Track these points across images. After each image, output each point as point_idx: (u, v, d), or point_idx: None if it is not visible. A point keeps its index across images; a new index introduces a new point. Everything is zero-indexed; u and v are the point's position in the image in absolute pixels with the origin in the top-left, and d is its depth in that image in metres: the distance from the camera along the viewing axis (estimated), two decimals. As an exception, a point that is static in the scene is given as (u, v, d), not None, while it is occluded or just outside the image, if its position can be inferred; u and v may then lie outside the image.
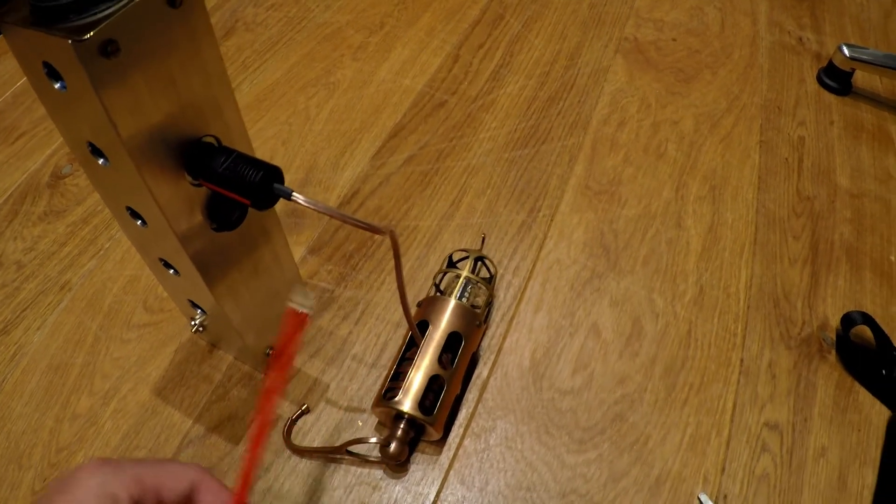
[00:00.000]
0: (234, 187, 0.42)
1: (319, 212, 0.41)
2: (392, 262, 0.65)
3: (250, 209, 0.48)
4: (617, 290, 0.63)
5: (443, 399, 0.53)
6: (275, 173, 0.42)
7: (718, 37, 0.87)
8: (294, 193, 0.41)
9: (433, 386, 0.53)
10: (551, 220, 0.67)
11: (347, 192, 0.70)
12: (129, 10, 0.34)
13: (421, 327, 0.55)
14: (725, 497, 0.53)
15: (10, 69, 0.88)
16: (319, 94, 0.80)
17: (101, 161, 0.41)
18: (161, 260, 0.50)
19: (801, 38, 0.89)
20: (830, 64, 0.83)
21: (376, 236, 0.66)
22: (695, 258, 0.65)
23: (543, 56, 0.84)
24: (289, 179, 0.71)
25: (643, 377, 0.58)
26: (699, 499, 0.53)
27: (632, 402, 0.57)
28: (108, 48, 0.33)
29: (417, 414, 0.51)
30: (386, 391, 0.53)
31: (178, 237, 0.44)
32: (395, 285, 0.63)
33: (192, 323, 0.56)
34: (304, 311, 0.44)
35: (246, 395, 0.58)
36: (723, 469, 0.55)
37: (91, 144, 0.40)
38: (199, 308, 0.55)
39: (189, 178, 0.43)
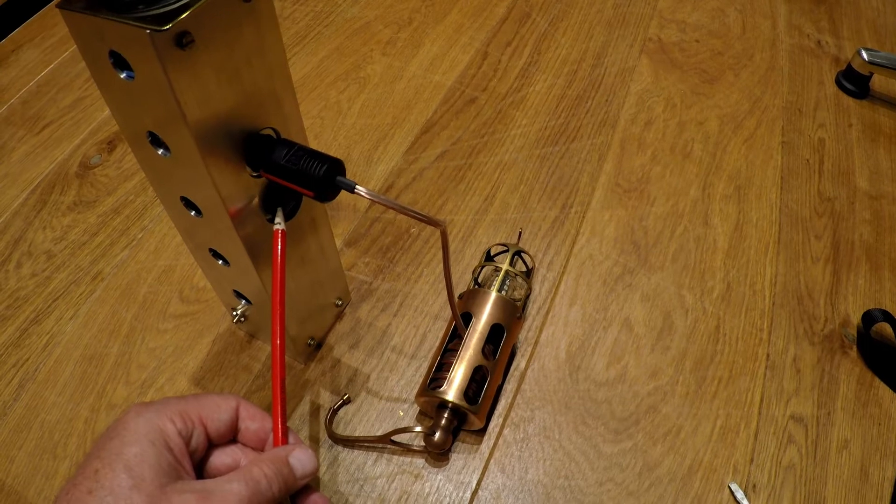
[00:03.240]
0: (298, 180, 0.44)
1: (381, 204, 0.43)
2: (429, 256, 0.66)
3: (303, 201, 0.50)
4: (648, 286, 0.64)
5: (486, 389, 0.55)
6: (337, 166, 0.43)
7: (740, 39, 0.89)
8: (357, 186, 0.43)
9: (476, 376, 0.55)
10: (583, 217, 0.69)
11: (382, 185, 0.72)
12: (206, 5, 0.35)
13: (463, 319, 0.57)
14: (754, 487, 0.55)
15: (34, 58, 0.89)
16: (350, 88, 0.81)
17: (160, 151, 0.42)
18: (211, 250, 0.51)
19: (819, 42, 0.91)
20: (849, 67, 0.85)
21: (412, 230, 0.68)
22: (722, 256, 0.67)
23: (570, 55, 0.85)
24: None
25: (674, 370, 0.60)
26: (730, 488, 0.55)
27: (664, 395, 0.59)
28: (183, 40, 0.34)
29: (462, 403, 0.53)
30: (431, 381, 0.55)
31: (234, 227, 0.45)
32: (432, 278, 0.64)
33: (234, 313, 0.57)
34: None
35: (287, 386, 0.59)
36: (751, 460, 0.56)
37: (152, 134, 0.41)
38: (244, 298, 0.56)
39: (249, 170, 0.44)
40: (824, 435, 0.58)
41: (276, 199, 0.48)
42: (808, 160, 0.77)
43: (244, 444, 0.46)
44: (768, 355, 0.62)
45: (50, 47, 0.89)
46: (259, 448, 0.46)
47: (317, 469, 0.45)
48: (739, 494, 0.55)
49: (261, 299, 0.54)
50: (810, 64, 0.88)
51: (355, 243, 0.67)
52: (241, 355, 0.61)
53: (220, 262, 0.51)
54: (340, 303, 0.62)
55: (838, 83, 0.86)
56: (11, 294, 0.66)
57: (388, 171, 0.73)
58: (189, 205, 0.47)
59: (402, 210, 0.43)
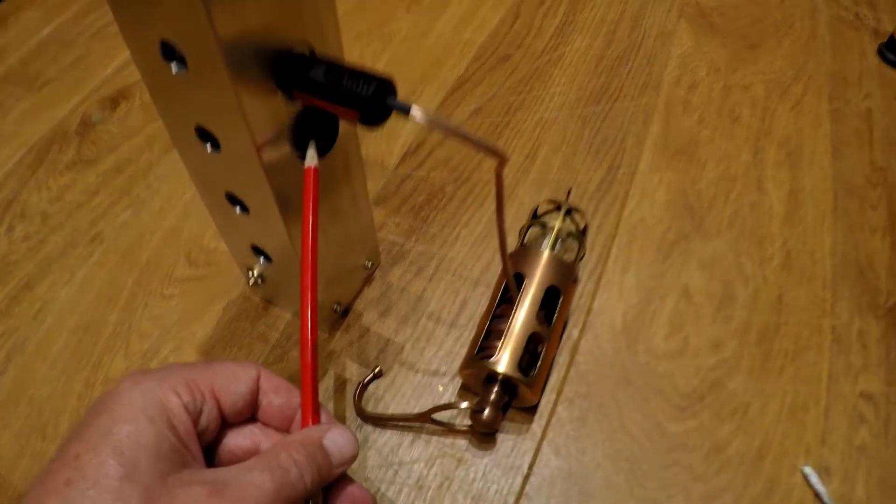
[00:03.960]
0: (343, 100, 0.35)
1: (442, 130, 0.34)
2: (466, 216, 0.57)
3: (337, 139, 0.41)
4: (704, 253, 0.56)
5: (542, 359, 0.46)
6: (388, 85, 0.34)
7: (778, 7, 0.80)
8: (414, 107, 0.34)
9: (528, 346, 0.45)
10: (632, 179, 0.60)
11: (412, 141, 0.63)
12: None
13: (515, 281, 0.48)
14: (827, 470, 0.47)
15: (35, 17, 0.80)
16: (374, 44, 0.73)
17: (175, 68, 0.33)
18: (228, 196, 0.42)
19: (857, 14, 0.83)
20: (891, 39, 0.77)
21: (447, 188, 0.59)
22: (779, 223, 0.58)
23: (607, 16, 0.76)
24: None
25: (738, 343, 0.51)
26: (803, 472, 0.46)
27: (729, 369, 0.50)
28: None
29: (516, 375, 0.44)
30: (479, 350, 0.46)
31: (261, 163, 0.36)
32: (471, 240, 0.55)
33: (250, 275, 0.48)
34: None
35: (310, 356, 0.50)
36: (823, 440, 0.48)
37: (166, 45, 0.32)
38: (263, 255, 0.47)
39: (281, 93, 0.35)
40: (895, 414, 0.49)
41: (311, 131, 0.39)
42: (857, 129, 0.69)
43: (265, 424, 0.37)
44: (833, 328, 0.53)
45: (52, 7, 0.80)
46: (284, 428, 0.37)
47: (356, 454, 0.35)
48: (814, 479, 0.46)
49: (283, 255, 0.44)
50: (850, 35, 0.80)
51: (384, 202, 0.58)
52: (256, 323, 0.52)
53: (238, 209, 0.42)
54: (370, 265, 0.53)
55: (880, 54, 0.78)
56: (2, 259, 0.57)
57: (418, 127, 0.64)
58: (206, 136, 0.38)
59: (465, 136, 0.34)
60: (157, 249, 0.57)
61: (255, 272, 0.48)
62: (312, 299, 0.36)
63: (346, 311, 0.52)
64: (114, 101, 0.70)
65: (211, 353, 0.52)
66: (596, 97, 0.67)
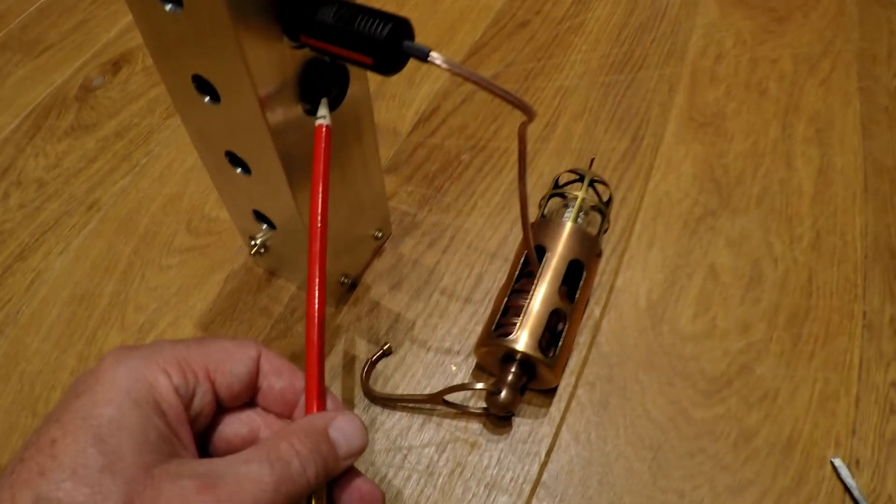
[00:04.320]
0: (353, 43, 0.30)
1: (462, 77, 0.29)
2: (482, 186, 0.53)
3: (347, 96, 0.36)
4: (732, 230, 0.51)
5: (564, 338, 0.41)
6: (404, 27, 0.30)
7: (805, -21, 0.75)
8: (432, 53, 0.29)
9: (549, 323, 0.41)
10: (657, 150, 0.55)
11: (426, 108, 0.58)
12: None
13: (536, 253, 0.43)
14: (857, 462, 0.43)
15: (34, -17, 0.75)
16: (387, 6, 0.67)
17: (171, 6, 0.29)
18: (228, 154, 0.37)
19: (885, -10, 0.78)
20: (921, 15, 0.72)
21: (463, 156, 0.54)
22: (808, 201, 0.54)
23: (629, -17, 0.72)
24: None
25: (767, 326, 0.47)
26: (833, 464, 0.42)
27: (758, 353, 0.46)
28: None
29: (536, 355, 0.39)
30: (496, 327, 0.41)
31: (264, 116, 0.32)
32: (487, 211, 0.51)
33: (252, 243, 0.43)
34: None
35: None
36: (853, 431, 0.44)
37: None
38: (266, 222, 0.42)
39: (287, 39, 0.31)
40: (929, 406, 0.45)
41: (319, 82, 0.34)
42: (887, 108, 0.64)
43: (265, 409, 0.32)
44: (865, 313, 0.49)
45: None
46: (285, 414, 0.32)
47: (366, 445, 0.31)
48: (844, 472, 0.42)
49: (288, 221, 0.40)
50: (878, 12, 0.75)
51: (396, 170, 0.54)
52: (258, 296, 0.48)
53: (240, 170, 0.38)
54: (380, 235, 0.48)
55: (910, 32, 0.73)
56: None
57: (432, 93, 0.59)
58: (204, 87, 0.33)
59: (489, 86, 0.30)
60: (156, 217, 0.54)
61: (258, 240, 0.44)
62: (321, 271, 0.32)
63: (353, 284, 0.48)
64: (115, 66, 0.66)
65: (210, 326, 0.48)
66: (619, 66, 0.62)
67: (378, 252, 0.49)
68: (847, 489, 0.41)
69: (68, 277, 0.50)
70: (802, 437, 0.43)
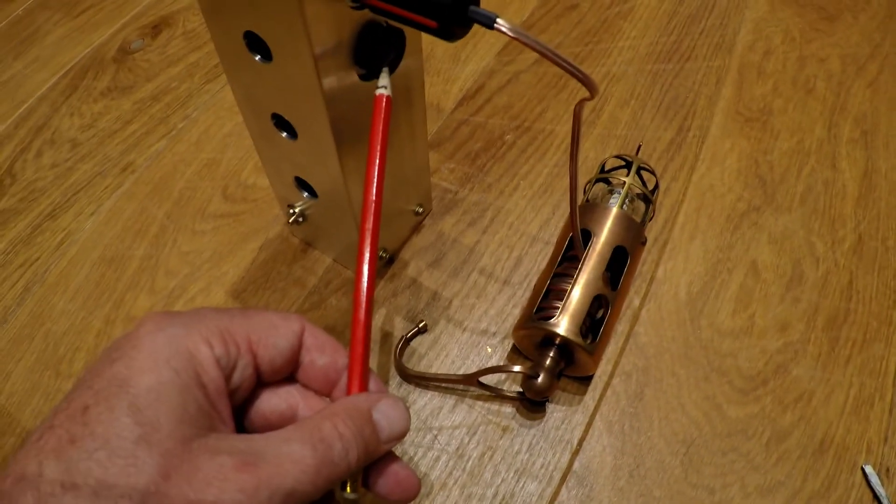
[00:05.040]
0: (417, 5, 0.28)
1: (528, 45, 0.27)
2: (526, 167, 0.51)
3: (403, 59, 0.35)
4: (775, 228, 0.49)
5: (605, 325, 0.39)
6: (470, -9, 0.27)
7: (856, -20, 0.73)
8: (499, 19, 0.27)
9: (591, 309, 0.39)
10: (702, 143, 0.53)
11: (471, 86, 0.56)
12: None
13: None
14: (888, 471, 0.41)
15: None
16: (434, -16, 0.65)
17: None
18: (275, 118, 0.36)
19: (935, -5, 0.75)
20: (972, 22, 0.69)
21: (507, 136, 0.52)
22: (852, 204, 0.52)
23: (679, -27, 0.69)
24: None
25: (805, 326, 0.45)
26: (863, 471, 0.41)
27: (795, 353, 0.44)
28: None
29: (577, 340, 0.38)
30: (538, 310, 0.40)
31: (318, 76, 0.30)
32: (530, 193, 0.49)
33: (291, 212, 0.42)
34: None
35: (347, 305, 0.45)
36: (885, 439, 0.42)
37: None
38: (307, 190, 0.41)
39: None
40: (962, 418, 0.43)
41: (375, 47, 0.33)
42: (934, 114, 0.61)
43: (305, 385, 0.30)
44: (903, 321, 0.46)
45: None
46: (325, 392, 0.30)
47: (407, 430, 0.29)
48: (875, 480, 0.40)
49: (331, 190, 0.38)
50: (928, 16, 0.72)
51: (438, 147, 0.52)
52: (293, 266, 0.46)
53: (285, 134, 0.37)
54: (421, 210, 0.46)
55: (959, 38, 0.70)
56: (27, 185, 0.52)
57: (477, 72, 0.57)
58: (257, 45, 0.32)
59: (555, 56, 0.28)
60: (191, 182, 0.52)
61: (297, 209, 0.42)
62: (372, 247, 0.30)
63: (391, 259, 0.46)
64: (155, 29, 0.64)
65: (242, 295, 0.46)
66: (667, 55, 0.60)
67: (417, 228, 0.48)
68: (876, 497, 0.40)
69: (99, 239, 0.49)
70: (835, 442, 0.41)
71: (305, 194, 0.41)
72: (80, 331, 0.45)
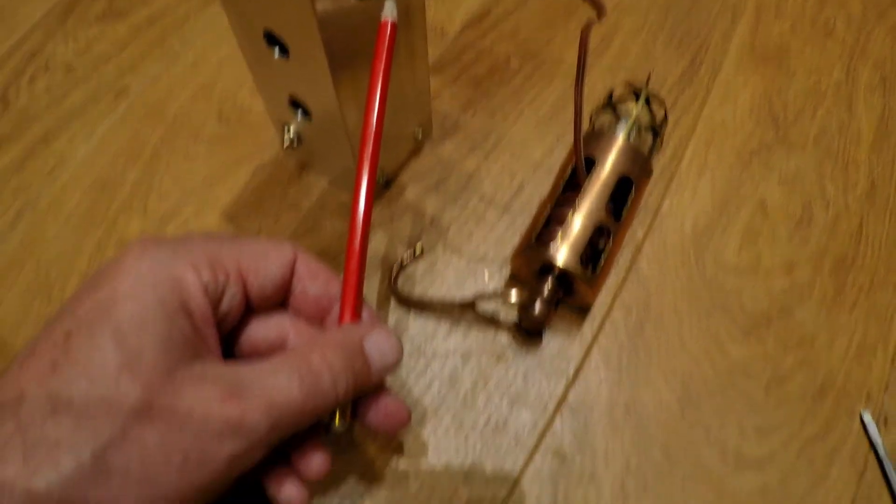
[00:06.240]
0: None
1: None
2: (531, 94, 0.48)
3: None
4: (786, 168, 0.47)
5: (606, 256, 0.38)
6: None
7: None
8: None
9: (592, 238, 0.37)
10: (715, 77, 0.51)
11: (477, 9, 0.53)
12: None
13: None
14: (886, 420, 0.40)
15: None
16: None
17: None
18: (267, 34, 0.33)
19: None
20: None
21: (511, 61, 0.50)
22: (866, 149, 0.49)
23: None
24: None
25: (812, 269, 0.43)
26: (861, 417, 0.39)
27: (800, 295, 0.43)
28: None
29: (576, 268, 0.36)
30: (538, 236, 0.38)
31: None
32: (535, 120, 0.47)
33: (286, 132, 0.40)
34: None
35: (343, 229, 0.43)
36: (886, 387, 0.40)
37: None
38: (302, 110, 0.38)
39: None
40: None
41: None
42: (955, 62, 0.58)
43: (296, 313, 0.29)
44: (912, 270, 0.45)
45: None
46: (316, 320, 0.29)
47: (399, 361, 0.28)
48: (872, 428, 0.39)
49: (326, 110, 0.36)
50: (952, -36, 0.69)
51: (441, 71, 0.50)
52: (287, 189, 0.45)
53: (277, 51, 0.34)
54: (420, 134, 0.44)
55: (984, -12, 0.67)
56: (20, 112, 0.50)
57: (484, -4, 0.54)
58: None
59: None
60: (186, 105, 0.50)
61: (292, 130, 0.40)
62: (370, 175, 0.29)
63: (388, 183, 0.44)
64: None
65: (236, 219, 0.44)
66: (681, -12, 0.57)
67: (416, 152, 0.46)
68: (872, 445, 0.39)
69: (92, 163, 0.47)
70: (835, 387, 0.40)
71: (300, 114, 0.39)
72: (72, 256, 0.43)
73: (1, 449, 0.20)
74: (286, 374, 0.24)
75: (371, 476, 0.36)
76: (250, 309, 0.28)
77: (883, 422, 0.40)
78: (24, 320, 0.41)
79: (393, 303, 0.40)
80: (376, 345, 0.27)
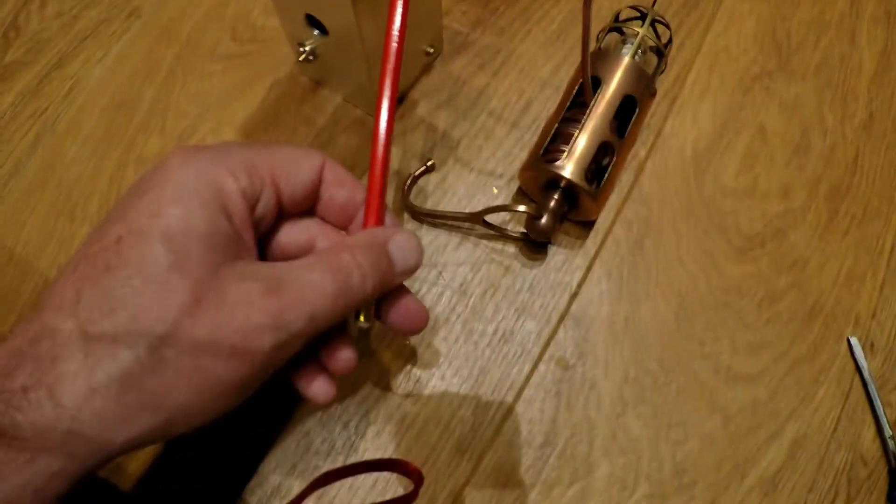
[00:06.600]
0: None
1: None
2: (540, 13, 0.48)
3: None
4: (787, 95, 0.48)
5: (610, 172, 0.38)
6: None
7: None
8: None
9: (597, 155, 0.38)
10: (720, 2, 0.51)
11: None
12: None
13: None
14: (872, 345, 0.41)
15: None
16: None
17: None
18: None
19: None
20: None
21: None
22: (867, 81, 0.50)
23: None
24: None
25: (807, 195, 0.45)
26: (849, 342, 0.41)
27: (794, 220, 0.44)
28: None
29: (582, 183, 0.37)
30: (544, 151, 0.38)
31: None
32: (543, 38, 0.47)
33: (301, 49, 0.40)
34: None
35: (356, 144, 0.43)
36: (873, 314, 0.42)
37: None
38: (318, 27, 0.38)
39: None
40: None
41: None
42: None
43: (323, 219, 0.31)
44: (904, 201, 0.46)
45: None
46: (342, 226, 0.31)
47: (420, 263, 0.29)
48: (858, 352, 0.41)
49: (342, 27, 0.36)
50: None
51: (450, -12, 0.49)
52: (302, 105, 0.45)
53: None
54: (432, 51, 0.44)
55: None
56: (32, 37, 0.49)
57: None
58: None
59: None
60: (199, 24, 0.49)
61: (308, 47, 0.40)
62: (392, 87, 0.29)
63: (400, 98, 0.44)
64: None
65: (252, 134, 0.45)
66: (690, -90, 0.56)
67: (427, 69, 0.46)
68: (858, 369, 0.40)
69: (107, 84, 0.47)
70: (824, 311, 0.42)
71: (316, 32, 0.39)
72: (93, 176, 0.44)
73: (62, 346, 0.22)
74: (319, 271, 0.25)
75: (385, 383, 0.38)
76: (281, 214, 0.29)
77: (869, 347, 0.41)
78: (48, 242, 0.42)
79: (406, 215, 0.41)
80: (400, 246, 0.28)
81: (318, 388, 0.29)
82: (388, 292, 0.29)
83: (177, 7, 0.50)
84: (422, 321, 0.31)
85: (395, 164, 0.43)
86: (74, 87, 0.47)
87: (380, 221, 0.29)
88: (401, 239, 0.28)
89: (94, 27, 0.49)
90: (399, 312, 0.30)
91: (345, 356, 0.29)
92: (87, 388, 0.21)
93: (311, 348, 0.29)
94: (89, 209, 0.43)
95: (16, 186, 0.44)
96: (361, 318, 0.29)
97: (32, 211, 0.43)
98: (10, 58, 0.48)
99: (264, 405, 0.35)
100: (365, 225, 0.29)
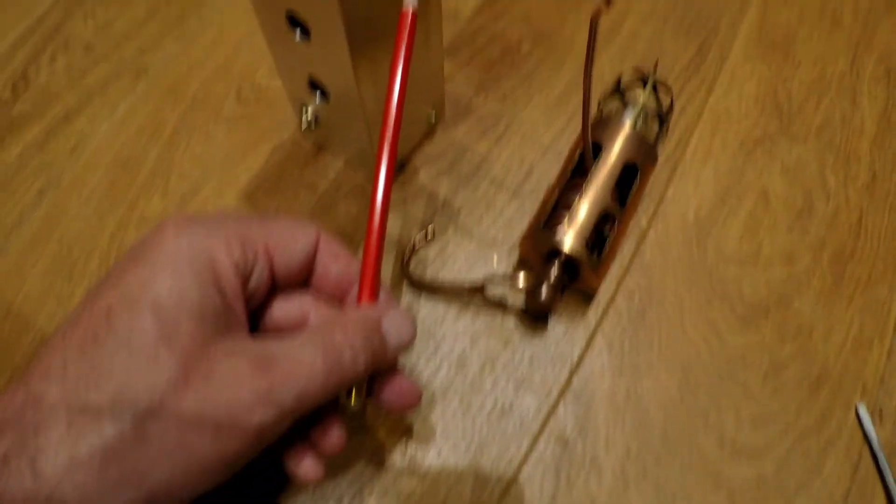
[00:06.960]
0: None
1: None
2: (542, 78, 0.48)
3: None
4: (789, 158, 0.47)
5: (611, 242, 0.38)
6: None
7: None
8: None
9: (598, 224, 0.38)
10: (722, 66, 0.51)
11: (486, -7, 0.53)
12: None
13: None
14: (881, 413, 0.40)
15: None
16: None
17: None
18: (289, 16, 0.33)
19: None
20: None
21: (523, 45, 0.49)
22: (868, 141, 0.50)
23: None
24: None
25: (811, 260, 0.44)
26: (857, 410, 0.40)
27: (798, 285, 0.43)
28: None
29: (582, 255, 0.36)
30: (546, 221, 0.38)
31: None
32: (545, 105, 0.47)
33: (304, 113, 0.40)
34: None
35: (357, 211, 0.43)
36: (881, 381, 0.41)
37: None
38: (320, 91, 0.38)
39: None
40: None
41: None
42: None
43: (317, 292, 0.30)
44: (910, 267, 0.45)
45: None
46: (336, 299, 0.30)
47: (413, 341, 0.29)
48: (867, 421, 0.40)
49: (344, 91, 0.36)
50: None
51: (454, 53, 0.49)
52: (304, 170, 0.45)
53: (299, 33, 0.34)
54: (434, 117, 0.44)
55: None
56: (41, 90, 0.49)
57: (495, -22, 0.54)
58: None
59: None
60: (205, 85, 0.49)
61: (310, 111, 0.41)
62: (389, 160, 0.29)
63: (401, 165, 0.44)
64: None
65: (253, 197, 0.45)
66: (691, -27, 0.56)
67: (429, 135, 0.46)
68: (867, 438, 0.39)
69: (112, 142, 0.47)
70: (831, 378, 0.41)
71: (318, 95, 0.39)
72: (94, 234, 0.43)
73: (46, 414, 0.21)
74: (311, 348, 0.25)
75: (380, 458, 0.37)
76: (275, 287, 0.29)
77: (878, 415, 0.40)
78: (46, 297, 0.42)
79: (405, 285, 0.41)
80: (393, 324, 0.28)
81: (307, 466, 0.29)
82: (382, 370, 0.29)
83: (184, 66, 0.50)
84: (415, 399, 0.30)
85: (395, 232, 0.42)
86: (80, 142, 0.47)
87: (374, 297, 0.29)
88: (395, 316, 0.28)
89: (101, 83, 0.50)
90: (392, 391, 0.30)
91: (335, 434, 0.29)
92: (68, 460, 0.21)
93: (300, 425, 0.28)
94: (89, 267, 0.42)
95: (19, 239, 0.44)
96: (353, 398, 0.28)
97: (33, 266, 0.43)
98: (17, 109, 0.49)
99: (255, 480, 0.34)
100: (359, 300, 0.29)
